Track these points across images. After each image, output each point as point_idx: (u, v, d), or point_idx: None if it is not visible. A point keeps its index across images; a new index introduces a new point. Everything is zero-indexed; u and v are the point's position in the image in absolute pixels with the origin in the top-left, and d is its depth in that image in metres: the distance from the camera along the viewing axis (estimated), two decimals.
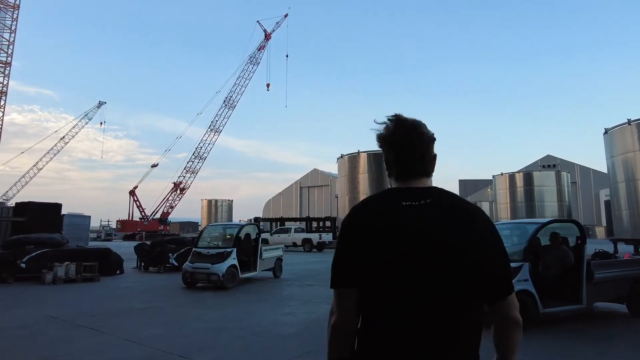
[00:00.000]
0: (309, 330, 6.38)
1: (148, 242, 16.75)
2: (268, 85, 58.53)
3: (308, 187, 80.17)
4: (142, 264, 15.64)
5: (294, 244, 28.20)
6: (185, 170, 57.92)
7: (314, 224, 36.46)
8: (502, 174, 48.16)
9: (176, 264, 14.02)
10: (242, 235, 11.96)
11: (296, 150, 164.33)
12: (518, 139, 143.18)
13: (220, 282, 10.30)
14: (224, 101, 58.48)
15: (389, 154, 1.40)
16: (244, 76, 57.94)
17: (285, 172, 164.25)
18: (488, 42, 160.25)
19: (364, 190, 31.35)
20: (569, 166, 60.48)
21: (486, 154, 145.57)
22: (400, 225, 1.25)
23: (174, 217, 61.22)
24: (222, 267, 10.34)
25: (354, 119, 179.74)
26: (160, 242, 15.76)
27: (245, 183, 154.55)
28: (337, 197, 52.93)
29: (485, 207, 61.27)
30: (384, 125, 1.39)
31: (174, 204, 58.39)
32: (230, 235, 11.95)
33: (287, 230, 29.59)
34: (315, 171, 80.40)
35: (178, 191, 58.51)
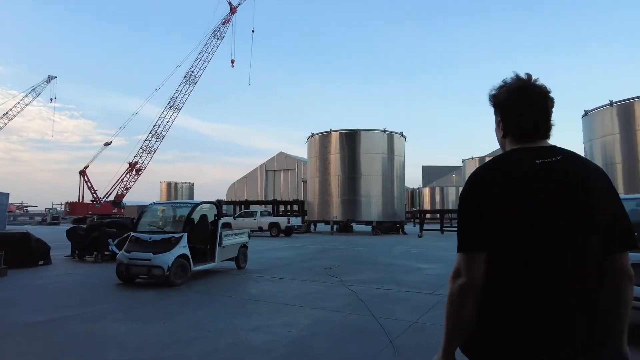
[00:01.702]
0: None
1: (83, 226, 13.87)
2: (232, 61, 55.05)
3: (274, 170, 77.47)
4: (77, 252, 12.90)
5: (260, 229, 25.87)
6: (141, 150, 53.73)
7: (282, 208, 34.23)
8: (472, 157, 47.61)
9: (117, 251, 11.30)
10: (196, 217, 9.53)
11: (263, 134, 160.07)
12: (483, 126, 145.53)
13: (166, 278, 7.87)
14: (185, 76, 54.47)
15: (515, 111, 1.40)
16: (207, 50, 54.07)
17: (252, 156, 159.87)
18: (457, 24, 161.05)
19: (335, 171, 29.31)
20: None
21: (449, 142, 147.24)
22: (538, 182, 1.26)
23: (130, 200, 57.08)
24: (168, 258, 7.90)
25: (322, 102, 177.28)
26: (97, 226, 12.98)
27: (210, 167, 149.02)
28: (304, 181, 50.88)
29: (451, 192, 61.01)
30: (514, 81, 1.40)
31: (129, 186, 54.24)
32: (180, 217, 9.47)
33: (253, 214, 27.14)
34: (281, 154, 77.69)
35: (134, 172, 54.34)
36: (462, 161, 48.78)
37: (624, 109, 23.99)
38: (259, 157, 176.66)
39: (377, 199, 29.06)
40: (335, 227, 29.33)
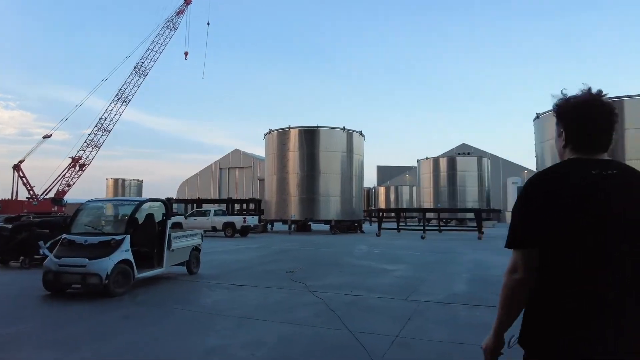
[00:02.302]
0: None
1: (8, 225, 12.17)
2: (186, 53, 52.76)
3: (228, 168, 75.34)
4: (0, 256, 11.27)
5: (214, 229, 24.56)
6: (86, 144, 50.22)
7: (237, 206, 32.94)
8: (427, 158, 48.31)
9: (49, 255, 9.91)
10: (141, 216, 8.40)
11: (217, 130, 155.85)
12: (434, 129, 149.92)
13: (104, 287, 6.75)
14: (135, 67, 51.51)
15: (578, 124, 1.50)
16: (159, 41, 51.39)
17: (205, 153, 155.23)
18: (409, 29, 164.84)
19: (294, 169, 28.47)
20: (481, 154, 63.00)
21: (403, 143, 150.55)
22: (593, 191, 1.37)
23: (73, 197, 53.13)
24: (106, 264, 6.77)
25: (280, 99, 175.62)
26: (26, 225, 11.40)
27: (161, 164, 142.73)
28: (260, 179, 49.61)
29: (405, 191, 62.07)
30: (582, 95, 1.49)
31: (71, 182, 50.58)
32: (123, 217, 8.30)
33: (206, 213, 25.75)
34: (236, 152, 75.70)
35: (77, 167, 50.73)
36: (417, 161, 49.42)
37: None
38: (212, 154, 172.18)
39: (336, 198, 28.54)
40: (293, 226, 28.50)
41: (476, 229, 26.30)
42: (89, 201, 8.57)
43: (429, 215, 40.76)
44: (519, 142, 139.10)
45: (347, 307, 6.22)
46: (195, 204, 31.86)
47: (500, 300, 1.48)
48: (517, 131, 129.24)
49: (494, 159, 70.67)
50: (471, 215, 42.85)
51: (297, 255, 13.74)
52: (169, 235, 8.44)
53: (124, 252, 7.12)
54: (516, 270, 1.43)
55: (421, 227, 30.62)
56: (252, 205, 33.43)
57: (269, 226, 30.64)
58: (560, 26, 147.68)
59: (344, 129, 29.13)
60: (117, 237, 7.20)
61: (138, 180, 77.69)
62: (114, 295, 6.85)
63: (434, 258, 13.23)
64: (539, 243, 1.39)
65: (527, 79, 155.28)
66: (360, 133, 30.90)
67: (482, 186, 45.83)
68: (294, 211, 28.14)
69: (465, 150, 62.29)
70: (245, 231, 24.50)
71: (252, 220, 25.41)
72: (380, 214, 30.27)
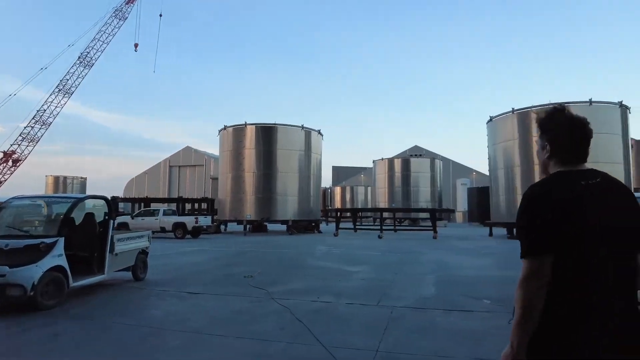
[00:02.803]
0: None
1: None
2: (136, 45, 50.09)
3: (179, 166, 72.51)
4: None
5: (163, 229, 23.15)
6: (21, 138, 46.36)
7: (188, 206, 31.44)
8: (382, 158, 48.84)
9: None
10: (79, 216, 7.36)
11: (168, 127, 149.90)
12: (388, 131, 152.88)
13: (29, 299, 5.73)
14: (79, 57, 48.24)
15: (565, 140, 1.65)
16: (107, 31, 48.42)
17: (155, 150, 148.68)
18: (366, 28, 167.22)
19: (250, 167, 27.51)
20: (433, 157, 64.88)
21: (357, 144, 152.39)
22: (578, 203, 1.51)
23: (7, 195, 48.77)
24: (32, 272, 5.74)
25: (234, 97, 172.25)
26: None
27: (108, 161, 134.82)
28: (213, 178, 47.98)
29: (361, 191, 62.57)
30: (562, 112, 1.68)
31: (2, 179, 46.53)
32: (56, 216, 7.22)
33: (154, 213, 24.23)
34: (188, 149, 73.03)
35: (10, 162, 46.76)
36: (373, 162, 49.82)
37: (523, 116, 25.74)
38: (162, 151, 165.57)
39: (294, 197, 27.90)
40: (248, 227, 27.53)
41: (430, 228, 26.66)
42: (14, 198, 7.39)
43: (384, 215, 41.24)
44: (468, 145, 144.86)
45: (316, 316, 5.63)
46: (143, 203, 30.06)
47: (521, 309, 1.50)
48: (465, 134, 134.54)
49: (444, 161, 72.76)
50: (423, 215, 43.99)
51: (255, 257, 12.99)
52: (112, 237, 7.46)
53: (56, 258, 6.11)
54: (533, 277, 1.49)
55: (377, 227, 30.67)
56: (204, 205, 32.05)
57: (222, 227, 29.48)
58: (515, 30, 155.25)
59: (302, 127, 28.54)
60: (48, 240, 6.16)
61: (81, 178, 73.22)
62: (42, 308, 5.84)
63: (395, 258, 12.94)
64: (552, 248, 1.47)
65: (478, 82, 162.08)
66: (319, 132, 30.45)
67: (435, 187, 46.93)
68: (249, 211, 27.19)
69: (417, 152, 63.84)
70: (197, 232, 23.30)
71: (205, 221, 24.22)
72: (339, 213, 29.93)
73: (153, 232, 23.35)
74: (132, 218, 23.89)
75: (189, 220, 23.17)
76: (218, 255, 13.80)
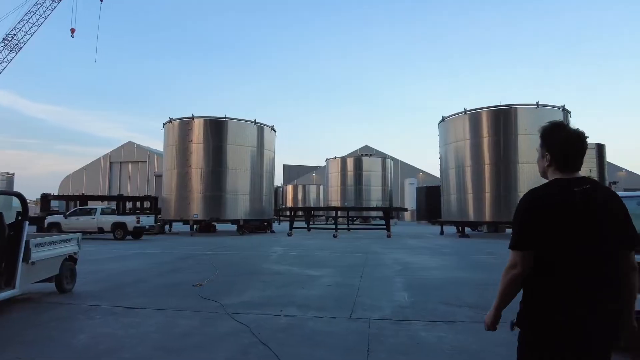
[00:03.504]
0: None
1: None
2: (72, 30, 46.13)
3: (120, 162, 68.31)
4: None
5: (100, 230, 21.13)
6: None
7: (129, 204, 29.20)
8: (335, 157, 48.48)
9: None
10: None
11: (109, 120, 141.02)
12: (340, 131, 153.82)
13: None
14: (3, 39, 43.76)
15: (566, 152, 1.89)
16: (37, 12, 44.23)
17: (94, 145, 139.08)
18: (317, 29, 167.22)
19: (197, 164, 25.90)
20: (383, 156, 65.76)
21: (308, 143, 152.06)
22: (576, 204, 1.77)
23: None
24: None
25: (181, 93, 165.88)
26: None
27: (41, 156, 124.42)
28: (157, 175, 45.35)
29: (313, 190, 62.06)
30: (564, 127, 1.93)
31: None
32: None
33: (91, 212, 22.06)
34: (130, 144, 68.99)
35: None
36: (326, 160, 49.39)
37: (475, 117, 26.16)
38: (103, 146, 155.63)
39: (245, 196, 26.60)
40: (195, 227, 25.92)
41: (383, 227, 26.49)
42: None
43: (335, 213, 40.90)
44: (414, 146, 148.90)
45: (284, 336, 4.71)
46: (79, 202, 27.48)
47: (501, 289, 1.87)
48: (413, 135, 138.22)
49: (393, 161, 74.39)
50: (375, 213, 44.17)
51: (204, 261, 11.77)
52: (28, 242, 6.09)
53: None
54: (516, 267, 1.80)
55: (330, 226, 30.10)
56: (147, 204, 29.93)
57: (167, 227, 27.62)
58: (463, 32, 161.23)
59: (255, 122, 27.29)
60: None
61: (8, 173, 66.81)
62: None
63: (356, 260, 12.26)
64: (535, 247, 1.78)
65: (426, 84, 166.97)
66: (272, 128, 29.34)
67: (385, 186, 47.31)
68: (196, 210, 25.57)
69: (367, 152, 64.29)
70: (138, 233, 21.47)
71: (147, 221, 22.40)
72: (293, 213, 29.00)
73: (90, 233, 21.63)
74: (65, 217, 21.61)
75: (130, 220, 21.28)
76: (162, 259, 12.44)
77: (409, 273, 9.66)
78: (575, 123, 26.22)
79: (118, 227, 20.95)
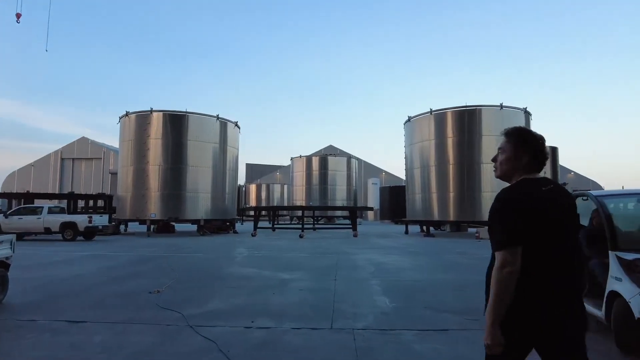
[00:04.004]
0: None
1: None
2: (18, 15, 42.71)
3: (73, 158, 64.54)
4: None
5: (48, 230, 19.47)
6: None
7: (81, 203, 27.34)
8: (300, 156, 47.86)
9: None
10: None
11: (60, 115, 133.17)
12: (304, 130, 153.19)
13: None
14: None
15: (542, 152, 2.01)
16: None
17: (44, 140, 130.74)
18: (274, 26, 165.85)
19: (155, 160, 24.52)
20: (347, 156, 65.75)
21: (271, 143, 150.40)
22: (547, 202, 1.87)
23: None
24: None
25: (139, 87, 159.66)
26: None
27: None
28: (113, 173, 43.13)
29: (277, 189, 61.11)
30: (536, 133, 2.04)
31: None
32: None
33: (37, 210, 20.30)
34: (83, 140, 65.34)
35: None
36: (290, 159, 48.70)
37: (440, 117, 26.29)
38: (54, 142, 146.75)
39: (206, 194, 25.44)
40: (153, 227, 24.53)
41: (349, 226, 26.17)
42: None
43: (300, 213, 40.29)
44: (377, 147, 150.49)
45: (258, 355, 4.03)
46: (23, 200, 25.38)
47: (495, 293, 1.77)
48: (376, 136, 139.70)
49: (357, 160, 74.68)
50: (340, 212, 43.94)
51: (163, 265, 10.81)
52: None
53: None
54: (507, 265, 1.76)
55: (295, 226, 29.46)
56: (101, 202, 28.15)
57: (122, 227, 26.02)
58: (428, 33, 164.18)
59: (217, 117, 26.19)
60: None
61: None
62: None
63: (327, 261, 11.69)
64: (523, 241, 1.78)
65: (388, 85, 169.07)
66: (236, 124, 28.29)
67: (350, 185, 47.24)
68: (154, 209, 24.18)
69: (332, 151, 64.08)
70: (90, 233, 19.97)
71: (101, 220, 20.90)
72: (258, 212, 28.09)
73: (36, 234, 19.88)
74: (6, 217, 19.76)
75: (81, 220, 19.75)
76: (115, 262, 11.36)
77: (384, 275, 9.18)
78: (534, 125, 27.11)
79: (67, 227, 19.37)
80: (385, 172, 77.36)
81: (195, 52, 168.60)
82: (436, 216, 25.75)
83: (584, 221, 6.04)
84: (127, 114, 25.61)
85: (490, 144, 24.49)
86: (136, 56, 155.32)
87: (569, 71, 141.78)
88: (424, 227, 26.09)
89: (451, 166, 25.27)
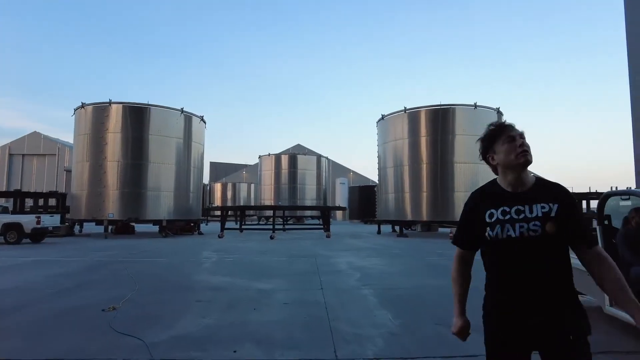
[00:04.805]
0: None
1: None
2: None
3: (23, 154, 60.29)
4: None
5: None
6: None
7: (30, 202, 24.99)
8: (269, 154, 46.49)
9: None
10: None
11: (10, 108, 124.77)
12: (271, 130, 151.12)
13: None
14: None
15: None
16: None
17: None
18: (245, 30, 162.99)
19: (113, 156, 22.74)
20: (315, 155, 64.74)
21: (236, 142, 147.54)
22: None
23: None
24: None
25: (97, 78, 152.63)
26: None
27: None
28: (67, 170, 40.35)
29: (243, 188, 59.46)
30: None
31: None
32: None
33: None
34: (35, 135, 61.19)
35: None
36: (259, 157, 47.27)
37: (414, 115, 25.85)
38: (1, 136, 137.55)
39: (169, 193, 23.83)
40: (110, 228, 22.66)
41: (320, 227, 25.36)
42: None
43: (269, 213, 39.03)
44: (345, 146, 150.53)
45: None
46: None
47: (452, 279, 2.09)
48: (344, 135, 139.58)
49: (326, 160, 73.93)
50: (309, 212, 43.00)
51: (121, 272, 9.46)
52: None
53: None
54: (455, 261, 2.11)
55: (264, 227, 28.26)
56: (52, 201, 25.88)
57: (76, 228, 23.99)
58: (402, 34, 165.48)
59: (182, 110, 24.60)
60: None
61: None
62: None
63: (306, 265, 10.69)
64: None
65: (356, 86, 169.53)
66: (202, 119, 26.76)
67: (320, 185, 46.40)
68: (112, 209, 22.36)
69: (300, 150, 63.01)
70: (39, 235, 18.06)
71: (51, 221, 18.99)
72: (225, 212, 26.69)
73: None
74: None
75: (28, 220, 17.80)
76: (65, 269, 9.88)
77: (373, 282, 8.29)
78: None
79: (11, 228, 17.40)
80: (353, 172, 77.12)
81: (158, 45, 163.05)
82: (409, 216, 25.28)
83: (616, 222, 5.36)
84: (82, 105, 23.58)
85: (464, 143, 24.26)
86: (96, 47, 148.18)
87: (539, 72, 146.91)
88: (399, 227, 25.56)
89: (425, 165, 24.86)
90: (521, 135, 1.86)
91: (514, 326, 1.73)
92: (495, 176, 1.96)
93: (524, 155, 1.80)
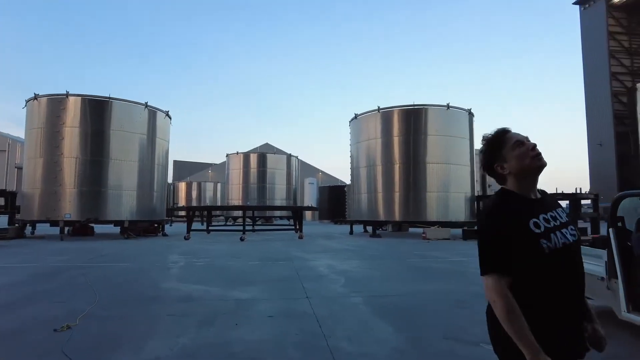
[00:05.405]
0: None
1: None
2: None
3: None
4: None
5: None
6: None
7: None
8: (237, 152, 45.20)
9: None
10: None
11: None
12: (238, 129, 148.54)
13: None
14: None
15: None
16: None
17: None
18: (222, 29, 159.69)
19: (70, 152, 21.16)
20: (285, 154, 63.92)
21: (201, 141, 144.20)
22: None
23: None
24: None
25: (55, 66, 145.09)
26: None
27: None
28: (19, 167, 37.77)
29: (209, 187, 57.83)
30: None
31: None
32: None
33: None
34: None
35: None
36: (226, 155, 45.91)
37: (387, 115, 25.60)
38: None
39: (131, 192, 22.40)
40: (67, 229, 21.05)
41: (291, 227, 24.71)
42: None
43: (237, 213, 37.89)
44: (314, 146, 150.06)
45: None
46: None
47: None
48: (314, 135, 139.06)
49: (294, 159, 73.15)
50: (278, 213, 42.10)
51: (78, 281, 8.40)
52: None
53: None
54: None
55: (234, 227, 27.25)
56: (1, 201, 23.84)
57: (28, 229, 22.18)
58: (374, 33, 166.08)
59: (146, 105, 23.20)
60: None
61: None
62: None
63: (284, 270, 9.98)
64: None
65: (327, 86, 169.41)
66: (167, 114, 25.42)
67: (290, 184, 45.63)
68: (69, 209, 20.75)
69: (268, 150, 61.94)
70: None
71: None
72: (192, 212, 25.46)
73: None
74: None
75: None
76: (11, 279, 8.71)
77: (360, 288, 7.70)
78: (475, 126, 27.36)
79: None
80: (322, 172, 76.77)
81: (121, 38, 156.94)
82: (382, 216, 25.02)
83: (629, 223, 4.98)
84: (36, 97, 21.79)
85: (437, 143, 24.21)
86: (55, 36, 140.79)
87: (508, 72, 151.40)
88: (371, 228, 25.21)
89: (397, 165, 24.64)
90: (528, 139, 1.77)
91: (568, 336, 1.61)
92: (500, 186, 1.82)
93: (539, 159, 1.71)
